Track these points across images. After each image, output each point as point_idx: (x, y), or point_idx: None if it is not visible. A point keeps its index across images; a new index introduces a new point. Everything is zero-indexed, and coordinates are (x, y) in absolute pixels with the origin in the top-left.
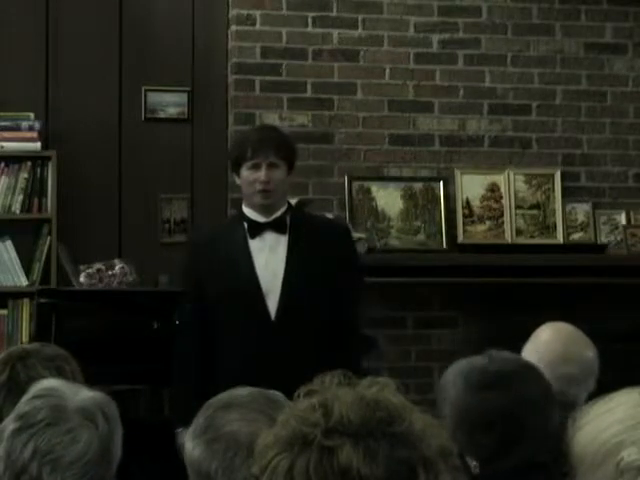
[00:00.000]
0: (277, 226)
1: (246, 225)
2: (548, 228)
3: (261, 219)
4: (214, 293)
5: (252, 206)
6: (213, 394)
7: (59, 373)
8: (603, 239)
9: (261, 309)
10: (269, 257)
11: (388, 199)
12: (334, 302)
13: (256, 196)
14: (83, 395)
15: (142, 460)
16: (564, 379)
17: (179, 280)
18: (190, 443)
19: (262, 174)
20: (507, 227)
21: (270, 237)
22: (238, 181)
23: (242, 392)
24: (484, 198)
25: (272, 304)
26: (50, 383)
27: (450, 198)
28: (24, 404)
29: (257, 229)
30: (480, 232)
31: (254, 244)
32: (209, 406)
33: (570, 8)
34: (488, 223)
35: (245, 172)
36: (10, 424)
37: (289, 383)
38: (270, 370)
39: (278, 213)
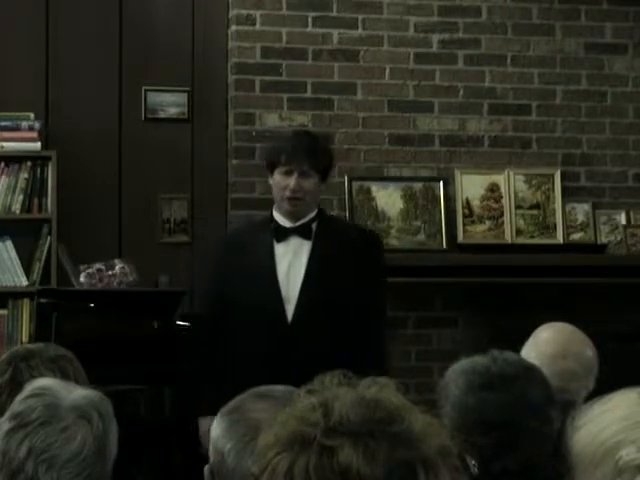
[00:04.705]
0: (302, 231)
1: (273, 228)
2: (548, 228)
3: (287, 224)
4: (236, 293)
5: (280, 210)
6: (232, 392)
7: (62, 374)
8: (603, 239)
9: (279, 312)
10: (292, 262)
11: (388, 199)
12: (358, 309)
13: (285, 202)
14: (77, 394)
15: (142, 460)
16: (563, 374)
17: (179, 280)
18: (217, 419)
19: (293, 182)
20: (507, 227)
21: (295, 242)
22: (270, 181)
23: (280, 387)
24: (484, 198)
25: (290, 308)
26: (44, 382)
27: (450, 198)
28: (18, 403)
29: (283, 233)
30: (480, 232)
31: (279, 248)
32: (248, 392)
33: (570, 8)
34: (488, 223)
35: (277, 176)
36: (5, 424)
37: (304, 384)
38: (286, 371)
39: (305, 219)
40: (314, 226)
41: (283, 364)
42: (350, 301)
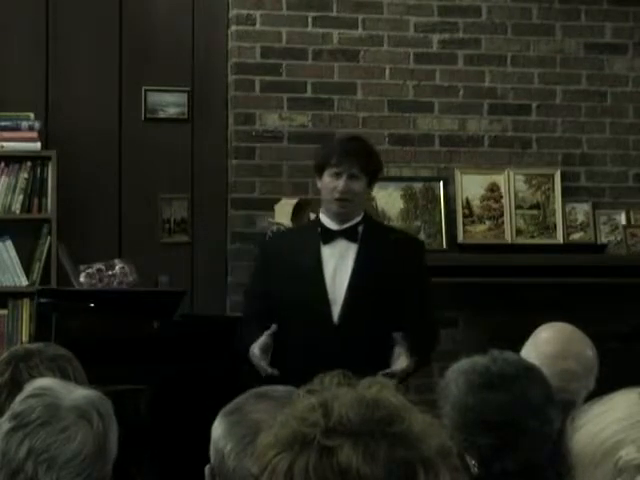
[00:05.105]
0: (349, 234)
1: (319, 231)
2: (548, 228)
3: (334, 226)
4: (282, 294)
5: (328, 212)
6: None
7: (61, 373)
8: (603, 239)
9: (325, 313)
10: (338, 264)
11: (388, 199)
12: (405, 310)
13: (333, 204)
14: (77, 394)
15: (142, 460)
16: (563, 374)
17: (179, 280)
18: (218, 419)
19: (342, 184)
20: (507, 227)
21: (341, 245)
22: (319, 184)
23: (281, 388)
24: (484, 198)
25: (336, 309)
26: (44, 382)
27: (450, 198)
28: (18, 403)
29: (329, 236)
30: (480, 232)
31: (325, 250)
32: (249, 392)
33: (570, 8)
34: (488, 223)
35: (327, 178)
36: (5, 424)
37: None
38: (332, 370)
39: (352, 222)
40: (360, 229)
41: (328, 365)
42: (396, 303)
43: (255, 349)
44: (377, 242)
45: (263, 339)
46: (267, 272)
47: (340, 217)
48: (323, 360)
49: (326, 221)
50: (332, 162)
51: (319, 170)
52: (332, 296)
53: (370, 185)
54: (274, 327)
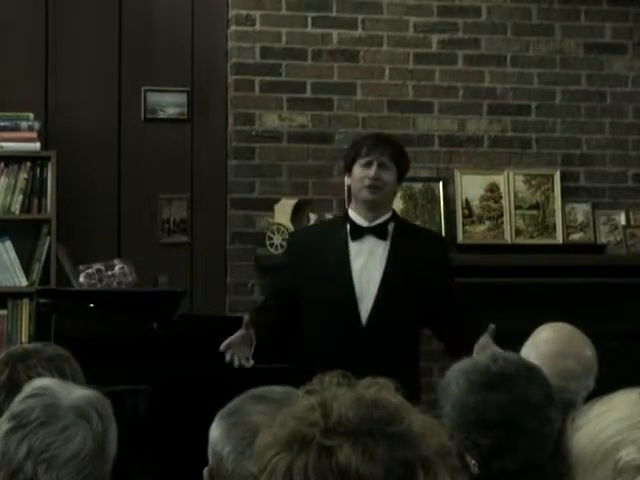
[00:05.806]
0: (378, 232)
1: (348, 227)
2: (547, 228)
3: (364, 223)
4: (309, 292)
5: (357, 208)
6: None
7: (59, 373)
8: (602, 239)
9: (353, 312)
10: (366, 262)
11: None
12: (443, 310)
13: (363, 191)
14: (76, 394)
15: (142, 460)
16: (563, 373)
17: (179, 280)
18: (216, 421)
19: (372, 171)
20: (507, 227)
21: (370, 242)
22: (348, 181)
23: (279, 389)
24: (483, 198)
25: (364, 309)
26: (43, 382)
27: (450, 198)
28: (17, 404)
29: (358, 232)
30: (480, 232)
31: (354, 247)
32: (246, 393)
33: (570, 8)
34: (488, 223)
35: (357, 169)
36: (4, 424)
37: None
38: (358, 372)
39: (381, 219)
40: (390, 227)
41: (354, 364)
42: (424, 303)
43: (221, 347)
44: (407, 241)
45: (238, 333)
46: (293, 268)
47: (369, 206)
48: (350, 360)
49: (356, 218)
50: (363, 153)
51: (349, 165)
52: (359, 294)
53: (399, 181)
54: (246, 318)
